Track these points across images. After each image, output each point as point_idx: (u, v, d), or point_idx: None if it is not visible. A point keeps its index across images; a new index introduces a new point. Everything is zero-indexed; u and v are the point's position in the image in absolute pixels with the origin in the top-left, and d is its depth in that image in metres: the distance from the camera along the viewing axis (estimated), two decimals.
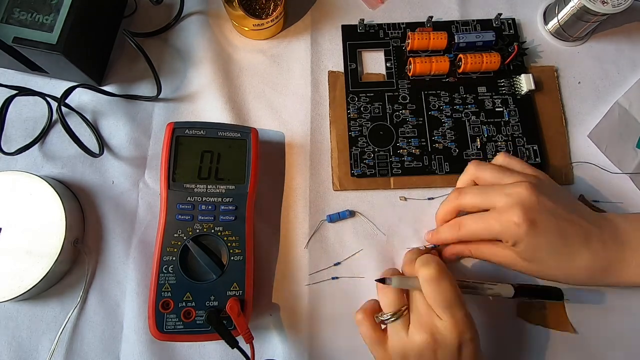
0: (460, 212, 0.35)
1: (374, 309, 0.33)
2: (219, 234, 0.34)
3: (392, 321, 0.31)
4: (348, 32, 0.44)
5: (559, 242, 0.31)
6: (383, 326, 0.32)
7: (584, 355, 0.36)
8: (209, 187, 0.35)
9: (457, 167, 0.39)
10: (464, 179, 0.36)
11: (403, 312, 0.31)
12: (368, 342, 0.32)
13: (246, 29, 0.42)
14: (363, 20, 0.43)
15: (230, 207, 0.35)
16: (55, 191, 0.36)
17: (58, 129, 0.41)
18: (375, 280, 0.32)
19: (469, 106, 0.41)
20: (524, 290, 0.34)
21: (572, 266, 0.32)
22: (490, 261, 0.34)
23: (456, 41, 0.42)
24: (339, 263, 0.38)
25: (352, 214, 0.39)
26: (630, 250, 0.32)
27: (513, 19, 0.44)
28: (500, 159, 0.36)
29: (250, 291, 0.34)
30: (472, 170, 0.35)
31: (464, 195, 0.34)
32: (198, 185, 0.35)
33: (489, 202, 0.32)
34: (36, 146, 0.40)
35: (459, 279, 0.32)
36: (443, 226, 0.35)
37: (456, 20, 0.44)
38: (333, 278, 0.37)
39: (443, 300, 0.29)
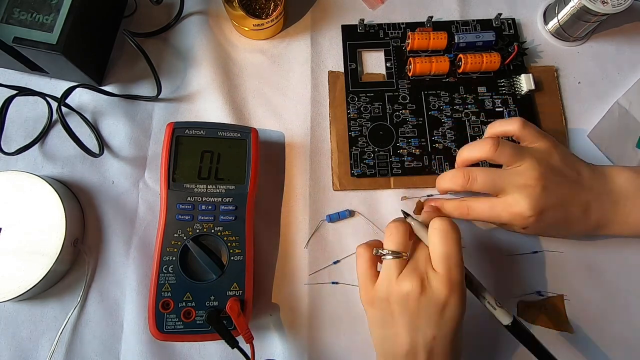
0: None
1: (378, 246, 0.32)
2: (219, 234, 0.34)
3: (389, 258, 0.30)
4: (348, 32, 0.44)
5: (562, 221, 0.34)
6: (380, 268, 0.32)
7: (584, 355, 0.36)
8: (209, 187, 0.35)
9: None
10: (497, 129, 0.35)
11: (402, 256, 0.30)
12: (360, 274, 0.32)
13: (246, 29, 0.42)
14: (363, 20, 0.43)
15: (230, 207, 0.35)
16: (55, 191, 0.36)
17: (58, 129, 0.41)
18: (402, 210, 0.34)
19: (469, 106, 0.41)
20: (521, 331, 0.32)
21: (570, 232, 0.36)
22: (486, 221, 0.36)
23: (456, 41, 0.42)
24: (337, 261, 0.38)
25: (351, 213, 0.39)
26: (624, 211, 0.34)
27: (513, 19, 0.44)
28: (517, 126, 0.34)
29: (250, 291, 0.34)
30: (499, 129, 0.35)
31: (473, 179, 0.33)
32: (198, 185, 0.35)
33: (498, 189, 0.33)
34: (36, 146, 0.40)
35: (468, 271, 0.32)
36: (450, 205, 0.35)
37: (456, 20, 0.44)
38: (333, 283, 0.37)
39: (445, 253, 0.29)
